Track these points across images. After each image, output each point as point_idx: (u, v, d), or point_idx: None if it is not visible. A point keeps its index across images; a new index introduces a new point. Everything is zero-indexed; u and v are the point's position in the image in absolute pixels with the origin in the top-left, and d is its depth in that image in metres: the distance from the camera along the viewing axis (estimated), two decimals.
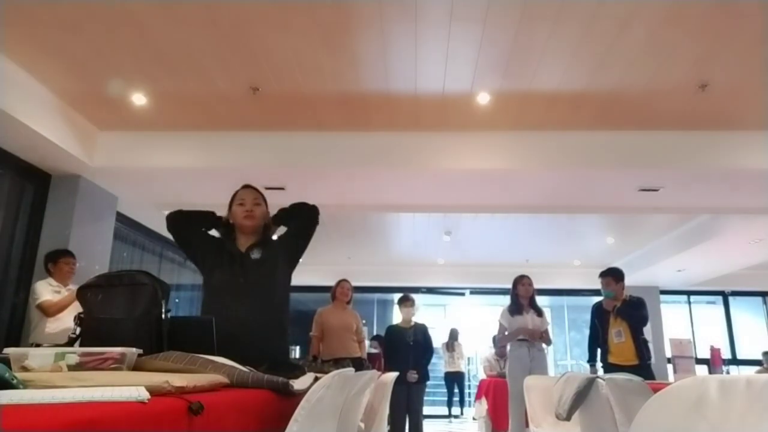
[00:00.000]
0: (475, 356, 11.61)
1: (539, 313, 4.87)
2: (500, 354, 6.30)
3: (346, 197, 5.88)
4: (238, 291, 2.17)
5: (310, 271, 10.10)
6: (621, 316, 4.38)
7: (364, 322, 5.34)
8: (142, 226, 6.96)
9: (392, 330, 5.26)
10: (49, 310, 4.08)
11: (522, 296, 4.85)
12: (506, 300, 5.03)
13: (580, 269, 10.23)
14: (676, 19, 3.44)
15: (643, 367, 4.19)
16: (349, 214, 7.55)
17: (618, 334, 4.36)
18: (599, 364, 4.55)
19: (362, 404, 2.33)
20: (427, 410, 5.73)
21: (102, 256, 5.38)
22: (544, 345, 4.84)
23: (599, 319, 4.54)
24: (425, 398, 5.23)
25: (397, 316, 5.51)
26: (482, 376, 7.88)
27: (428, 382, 5.19)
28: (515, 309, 4.84)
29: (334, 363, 4.50)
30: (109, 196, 5.58)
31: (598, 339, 4.56)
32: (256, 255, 2.26)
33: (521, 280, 4.90)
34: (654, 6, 3.34)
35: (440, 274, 10.67)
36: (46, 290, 4.14)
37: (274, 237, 2.43)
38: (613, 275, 4.50)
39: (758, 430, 0.78)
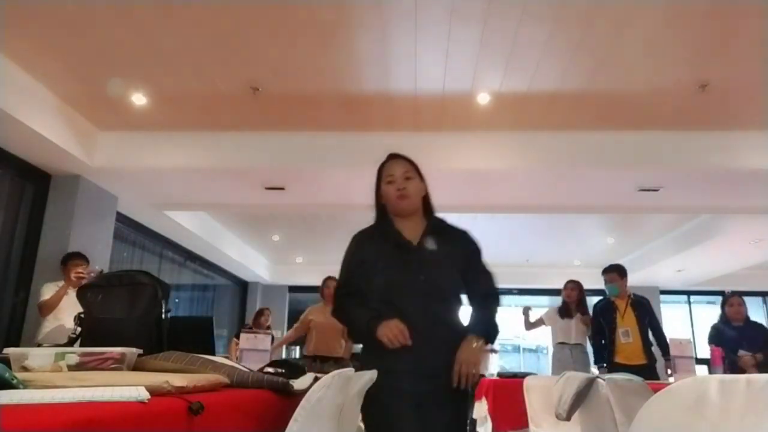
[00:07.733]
0: None
1: (585, 315, 4.98)
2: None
3: (346, 197, 5.87)
4: (416, 290, 1.79)
5: (310, 270, 10.11)
6: (634, 309, 4.39)
7: None
8: (142, 226, 6.95)
9: None
10: (41, 310, 4.07)
11: (568, 300, 5.09)
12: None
13: (581, 269, 10.20)
14: (676, 19, 3.44)
15: (650, 367, 4.18)
16: (349, 214, 7.55)
17: (625, 334, 4.32)
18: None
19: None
20: None
21: (102, 256, 5.37)
22: (588, 347, 4.93)
23: (604, 318, 4.51)
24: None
25: None
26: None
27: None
28: (564, 312, 5.10)
29: (320, 362, 4.63)
30: (109, 196, 5.58)
31: (604, 336, 4.51)
32: (431, 246, 1.89)
33: (565, 285, 5.20)
34: (653, 6, 3.33)
35: None
36: (48, 290, 4.12)
37: None
38: (617, 270, 4.54)
39: (758, 429, 0.78)
